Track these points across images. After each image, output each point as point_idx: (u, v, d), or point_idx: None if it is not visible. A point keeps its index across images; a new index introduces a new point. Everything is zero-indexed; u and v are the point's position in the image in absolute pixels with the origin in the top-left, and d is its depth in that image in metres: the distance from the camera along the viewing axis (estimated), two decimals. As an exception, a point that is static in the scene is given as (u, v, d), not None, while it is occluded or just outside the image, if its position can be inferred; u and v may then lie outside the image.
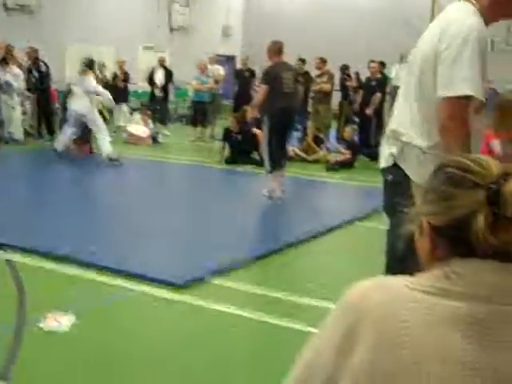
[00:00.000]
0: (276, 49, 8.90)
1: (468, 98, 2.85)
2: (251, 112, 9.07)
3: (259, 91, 8.86)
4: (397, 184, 3.07)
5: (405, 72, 3.18)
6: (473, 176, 1.23)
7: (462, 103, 2.85)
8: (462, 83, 2.83)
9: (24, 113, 13.67)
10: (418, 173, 2.89)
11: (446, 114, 2.86)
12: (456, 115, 2.85)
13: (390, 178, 3.16)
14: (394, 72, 19.43)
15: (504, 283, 1.21)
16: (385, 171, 3.20)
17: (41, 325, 4.25)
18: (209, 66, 15.46)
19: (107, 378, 3.69)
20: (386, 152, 3.15)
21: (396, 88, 18.85)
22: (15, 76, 12.86)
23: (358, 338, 1.21)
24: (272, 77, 8.63)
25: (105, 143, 11.11)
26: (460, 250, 1.24)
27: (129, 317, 4.64)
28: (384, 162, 3.19)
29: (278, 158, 8.77)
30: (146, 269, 5.33)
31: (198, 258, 5.91)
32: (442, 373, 1.15)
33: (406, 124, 3.08)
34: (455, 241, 1.24)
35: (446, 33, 2.85)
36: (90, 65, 11.58)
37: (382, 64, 14.08)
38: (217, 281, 5.29)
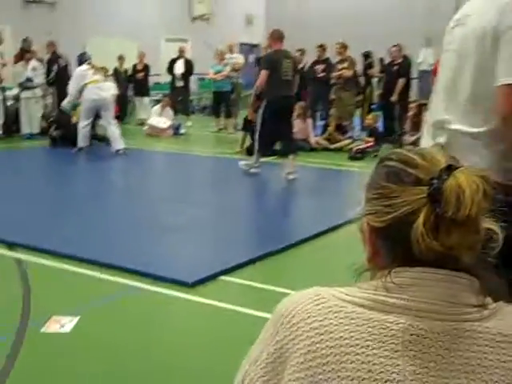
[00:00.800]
0: (277, 36, 8.98)
1: None
2: (253, 102, 9.46)
3: (260, 77, 8.86)
4: None
5: (449, 54, 2.86)
6: (415, 170, 1.07)
7: None
8: None
9: (46, 107, 13.66)
10: (471, 161, 2.65)
11: (508, 105, 2.49)
12: None
13: None
14: (421, 56, 19.09)
15: (449, 295, 1.04)
16: None
17: (42, 329, 4.16)
18: (227, 55, 15.28)
19: (102, 378, 3.57)
20: (430, 143, 2.90)
21: (423, 72, 18.63)
22: (35, 70, 12.84)
23: (289, 357, 1.07)
24: (272, 63, 8.72)
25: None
26: (402, 257, 1.07)
27: (133, 316, 4.51)
28: None
29: (268, 144, 9.10)
30: (153, 267, 5.19)
31: (209, 255, 5.78)
32: None
33: (455, 111, 2.79)
34: (396, 246, 1.08)
35: (508, 6, 2.47)
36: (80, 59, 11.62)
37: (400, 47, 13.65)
38: (227, 278, 5.15)
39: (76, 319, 4.28)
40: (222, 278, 5.14)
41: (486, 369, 1.02)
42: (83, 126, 11.14)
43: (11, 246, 5.79)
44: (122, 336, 4.14)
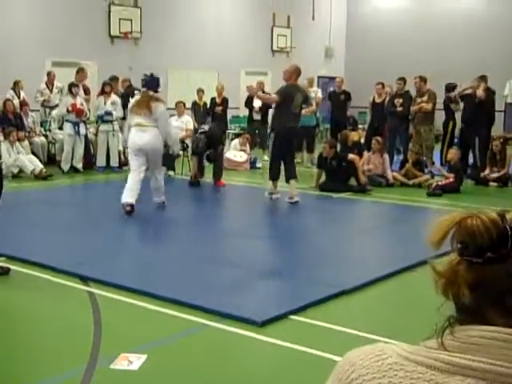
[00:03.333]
0: (299, 72, 9.86)
1: None
2: (254, 89, 10.73)
3: (272, 96, 10.14)
4: None
5: None
6: None
7: None
8: None
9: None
10: None
11: None
12: None
13: None
14: (507, 88, 18.61)
15: None
16: None
17: (111, 365, 4.15)
18: (309, 90, 15.27)
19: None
20: None
21: (510, 105, 18.09)
22: (114, 105, 13.22)
23: None
24: (286, 95, 9.52)
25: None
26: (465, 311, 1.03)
27: (201, 355, 4.44)
28: None
29: (277, 169, 9.98)
30: (222, 304, 5.14)
31: (279, 292, 5.69)
32: None
33: None
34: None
35: None
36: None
37: (484, 79, 13.14)
38: (298, 318, 5.04)
39: (144, 357, 4.26)
40: (293, 317, 5.04)
41: None
42: None
43: (84, 279, 5.87)
44: (189, 375, 4.10)
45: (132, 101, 9.35)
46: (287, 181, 9.93)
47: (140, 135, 8.73)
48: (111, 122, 13.26)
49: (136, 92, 13.37)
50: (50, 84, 14.47)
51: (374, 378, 1.00)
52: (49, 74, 14.55)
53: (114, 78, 13.91)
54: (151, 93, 9.09)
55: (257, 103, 15.50)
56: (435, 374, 0.97)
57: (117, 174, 12.94)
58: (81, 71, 13.63)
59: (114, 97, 13.32)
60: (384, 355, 1.04)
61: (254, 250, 7.07)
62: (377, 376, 1.01)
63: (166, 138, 9.16)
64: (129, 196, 8.63)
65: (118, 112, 13.23)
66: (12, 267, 6.17)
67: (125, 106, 13.31)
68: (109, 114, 13.13)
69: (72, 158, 12.87)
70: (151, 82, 9.29)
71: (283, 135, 9.56)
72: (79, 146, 12.87)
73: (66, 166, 12.85)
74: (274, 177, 10.00)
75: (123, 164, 13.68)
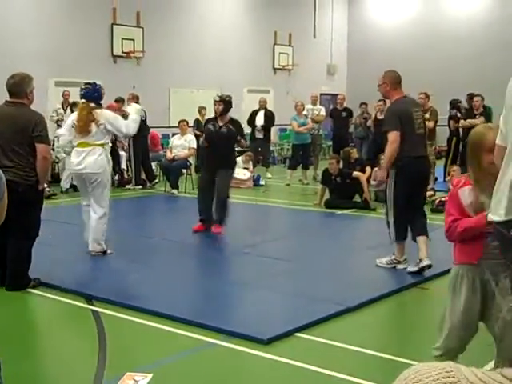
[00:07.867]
0: (398, 80, 6.80)
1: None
2: (380, 174, 7.41)
3: (390, 141, 6.53)
4: None
5: None
6: None
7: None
8: None
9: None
10: None
11: None
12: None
13: None
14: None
15: None
16: (507, 224, 2.67)
17: (116, 385, 4.13)
18: (308, 106, 15.33)
19: None
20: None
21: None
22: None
23: None
24: (400, 117, 6.54)
25: None
26: None
27: (207, 374, 4.42)
28: (507, 213, 2.67)
29: (406, 224, 6.74)
30: (227, 322, 5.14)
31: (285, 310, 5.67)
32: None
33: None
34: None
35: None
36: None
37: (482, 97, 13.28)
38: (304, 335, 5.01)
39: (150, 376, 4.23)
40: (298, 334, 5.02)
41: None
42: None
43: (88, 298, 5.85)
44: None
45: (72, 116, 7.79)
46: (414, 238, 6.82)
47: (78, 157, 7.28)
48: None
49: (142, 112, 13.36)
50: (65, 103, 14.52)
51: None
52: (63, 93, 14.61)
53: (120, 100, 13.91)
54: (92, 105, 7.42)
55: (259, 121, 15.54)
56: None
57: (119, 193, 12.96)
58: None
59: None
60: (453, 378, 0.99)
61: (257, 268, 7.04)
62: None
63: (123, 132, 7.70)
64: (89, 241, 7.45)
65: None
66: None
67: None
68: None
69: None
70: (91, 93, 7.53)
71: (410, 171, 6.50)
72: None
73: (66, 185, 12.82)
74: (402, 235, 6.78)
75: (126, 182, 13.67)
